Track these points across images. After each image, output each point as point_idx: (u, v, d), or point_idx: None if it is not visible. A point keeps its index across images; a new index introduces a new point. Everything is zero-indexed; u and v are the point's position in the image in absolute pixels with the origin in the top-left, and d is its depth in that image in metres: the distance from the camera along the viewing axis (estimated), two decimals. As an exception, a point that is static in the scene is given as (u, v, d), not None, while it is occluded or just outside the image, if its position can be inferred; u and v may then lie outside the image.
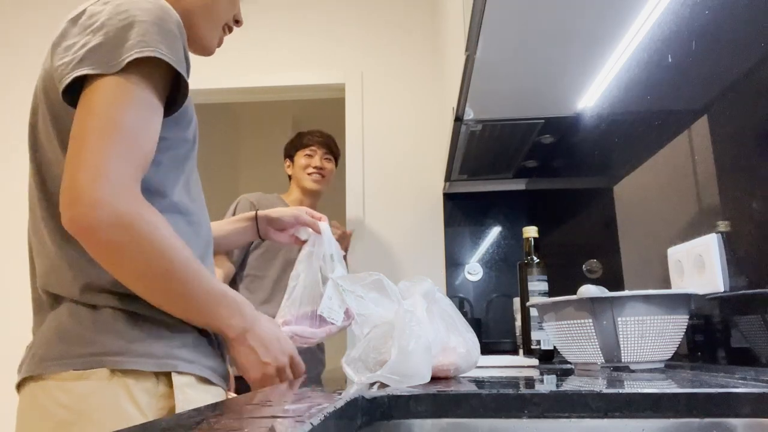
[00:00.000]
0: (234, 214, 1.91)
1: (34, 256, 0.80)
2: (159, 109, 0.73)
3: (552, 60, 1.29)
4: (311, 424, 0.36)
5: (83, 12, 0.75)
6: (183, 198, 0.82)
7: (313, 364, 1.83)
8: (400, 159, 2.59)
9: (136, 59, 0.68)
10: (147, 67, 0.70)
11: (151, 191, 0.74)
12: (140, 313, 0.72)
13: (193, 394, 0.73)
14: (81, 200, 0.63)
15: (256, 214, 1.11)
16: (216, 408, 0.46)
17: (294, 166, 2.10)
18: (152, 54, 0.68)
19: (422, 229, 2.50)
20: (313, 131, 2.12)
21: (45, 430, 0.69)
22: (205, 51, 0.91)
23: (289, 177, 2.15)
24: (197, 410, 0.43)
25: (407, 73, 2.68)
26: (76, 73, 0.68)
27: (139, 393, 0.69)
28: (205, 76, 2.77)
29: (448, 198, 2.49)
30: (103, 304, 0.72)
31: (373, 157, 2.59)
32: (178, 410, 0.70)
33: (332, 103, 2.85)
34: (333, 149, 2.11)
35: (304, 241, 1.10)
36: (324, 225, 1.10)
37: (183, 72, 0.73)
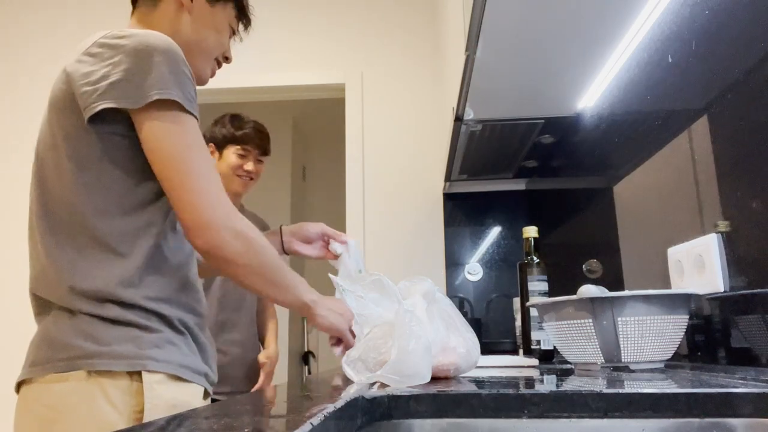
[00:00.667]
0: None
1: (29, 258, 0.87)
2: None
3: (552, 60, 1.29)
4: (311, 424, 0.36)
5: (100, 42, 0.82)
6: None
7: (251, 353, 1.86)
8: (400, 159, 2.59)
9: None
10: (165, 105, 0.79)
11: (163, 209, 0.86)
12: (113, 317, 0.79)
13: (162, 391, 0.79)
14: (208, 227, 0.79)
15: (280, 228, 1.16)
16: (216, 408, 0.46)
17: (222, 160, 1.86)
18: (169, 97, 0.78)
19: (422, 229, 2.50)
20: (247, 122, 1.89)
21: (32, 428, 0.78)
22: (199, 81, 1.00)
23: None
24: (197, 409, 0.43)
25: (407, 73, 2.68)
26: (102, 106, 0.77)
27: (113, 391, 0.77)
28: (205, 76, 2.77)
29: (448, 198, 2.49)
30: (79, 309, 0.78)
31: (373, 157, 2.59)
32: (147, 406, 0.77)
33: (332, 103, 2.85)
34: (267, 149, 1.91)
35: (336, 256, 1.11)
36: (352, 241, 1.14)
37: (194, 112, 0.83)
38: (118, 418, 0.76)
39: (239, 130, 1.84)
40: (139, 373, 0.78)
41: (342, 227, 2.52)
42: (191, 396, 0.85)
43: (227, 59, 1.05)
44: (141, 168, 0.82)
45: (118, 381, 0.77)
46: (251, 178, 1.85)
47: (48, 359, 0.78)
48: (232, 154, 1.83)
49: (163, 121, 0.79)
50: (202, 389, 0.88)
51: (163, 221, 0.85)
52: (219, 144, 1.86)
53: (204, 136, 1.85)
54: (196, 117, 0.83)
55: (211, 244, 0.80)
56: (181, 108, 0.80)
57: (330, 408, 0.42)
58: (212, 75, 1.03)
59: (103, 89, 0.78)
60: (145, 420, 0.77)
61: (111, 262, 0.80)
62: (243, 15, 1.04)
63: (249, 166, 1.83)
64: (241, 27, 1.06)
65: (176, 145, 0.79)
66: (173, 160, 0.79)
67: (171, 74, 0.79)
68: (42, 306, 0.83)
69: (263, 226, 1.95)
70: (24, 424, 0.79)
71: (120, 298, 0.79)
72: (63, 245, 0.80)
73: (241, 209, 1.91)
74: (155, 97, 0.77)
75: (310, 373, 4.17)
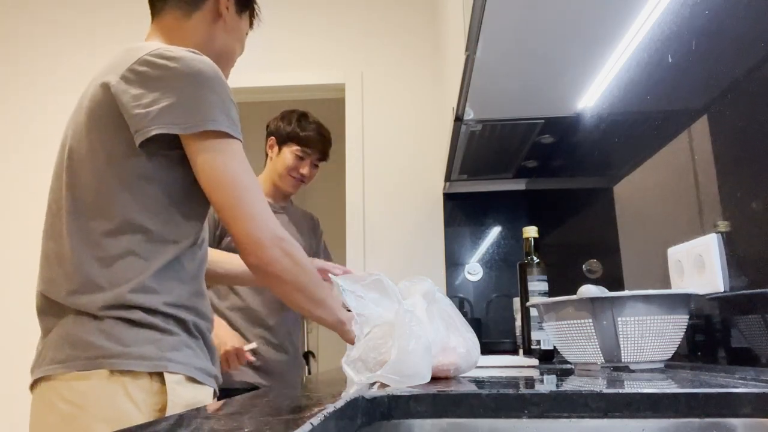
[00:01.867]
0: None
1: (43, 260, 0.88)
2: None
3: (552, 60, 1.29)
4: (311, 424, 0.36)
5: (146, 59, 0.84)
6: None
7: (295, 370, 1.83)
8: (400, 159, 2.59)
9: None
10: (216, 133, 0.84)
11: (195, 228, 0.91)
12: (135, 320, 0.82)
13: (182, 391, 0.83)
14: (261, 245, 0.86)
15: None
16: (216, 407, 0.46)
17: (279, 156, 1.83)
18: (220, 128, 0.84)
19: (422, 229, 2.50)
20: (312, 122, 1.85)
21: (53, 423, 0.80)
22: None
23: (266, 156, 1.89)
24: (198, 409, 0.43)
25: (407, 73, 2.68)
26: (155, 131, 0.81)
27: (135, 390, 0.80)
28: (205, 76, 2.77)
29: (448, 198, 2.49)
30: (103, 311, 0.81)
31: (373, 157, 2.59)
32: (169, 405, 0.81)
33: (332, 103, 2.85)
34: (327, 155, 1.89)
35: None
36: (340, 279, 1.20)
37: (239, 136, 0.88)
38: (139, 415, 0.79)
39: (303, 130, 1.81)
40: (159, 374, 0.81)
41: (342, 227, 2.52)
42: (205, 396, 0.88)
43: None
44: (180, 187, 0.87)
45: (139, 381, 0.80)
46: (303, 181, 1.84)
47: (70, 357, 0.80)
48: (290, 153, 1.81)
49: (215, 149, 0.84)
50: (212, 390, 0.92)
51: (192, 238, 0.90)
52: (280, 139, 1.83)
53: (267, 127, 1.87)
54: (241, 140, 0.88)
55: (262, 260, 0.87)
56: (229, 135, 0.85)
57: (330, 408, 0.42)
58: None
59: (155, 113, 0.81)
60: None
61: (136, 268, 0.83)
62: (252, 23, 1.10)
63: (305, 169, 1.82)
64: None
65: (228, 170, 0.85)
66: (227, 184, 0.85)
67: (220, 102, 0.85)
68: (52, 306, 0.85)
69: (312, 223, 1.95)
70: (44, 420, 0.81)
71: (142, 303, 0.82)
72: (92, 249, 0.83)
73: (291, 206, 1.91)
74: (209, 128, 0.83)
75: (310, 373, 4.17)
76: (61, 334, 0.82)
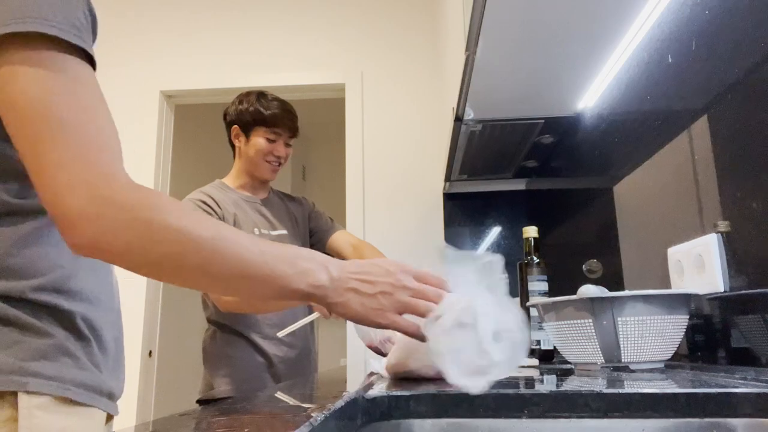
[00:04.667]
0: None
1: None
2: None
3: (552, 60, 1.29)
4: (311, 424, 0.36)
5: None
6: None
7: (308, 369, 1.75)
8: (400, 159, 2.59)
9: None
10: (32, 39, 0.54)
11: None
12: None
13: (45, 419, 0.58)
14: (70, 211, 0.53)
15: None
16: (216, 408, 0.46)
17: (249, 144, 1.64)
18: (40, 30, 0.53)
19: (422, 229, 2.50)
20: (275, 101, 1.67)
21: None
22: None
23: (233, 147, 1.70)
24: (197, 409, 0.43)
25: (407, 73, 2.68)
26: None
27: None
28: (205, 76, 2.77)
29: (448, 198, 2.49)
30: None
31: (373, 157, 2.59)
32: None
33: (332, 103, 2.85)
34: (296, 130, 1.70)
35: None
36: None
37: (82, 45, 0.56)
38: None
39: (268, 109, 1.63)
40: (14, 395, 0.57)
41: (342, 227, 2.52)
42: (87, 425, 0.63)
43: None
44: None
45: None
46: (280, 163, 1.69)
47: None
48: (260, 138, 1.63)
49: (24, 61, 0.53)
50: (104, 414, 0.66)
51: None
52: (245, 126, 1.65)
53: (225, 117, 1.68)
54: (88, 57, 0.57)
55: (82, 235, 0.52)
56: (61, 43, 0.55)
57: (330, 408, 0.42)
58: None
59: None
60: None
61: None
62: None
63: (279, 151, 1.65)
64: None
65: (38, 95, 0.53)
66: (30, 118, 0.53)
67: None
68: None
69: (302, 208, 1.77)
70: None
71: None
72: None
73: (272, 195, 1.75)
74: (22, 29, 0.53)
75: (316, 370, 4.16)
76: None
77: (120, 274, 0.70)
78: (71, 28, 0.55)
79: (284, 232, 1.62)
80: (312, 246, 1.72)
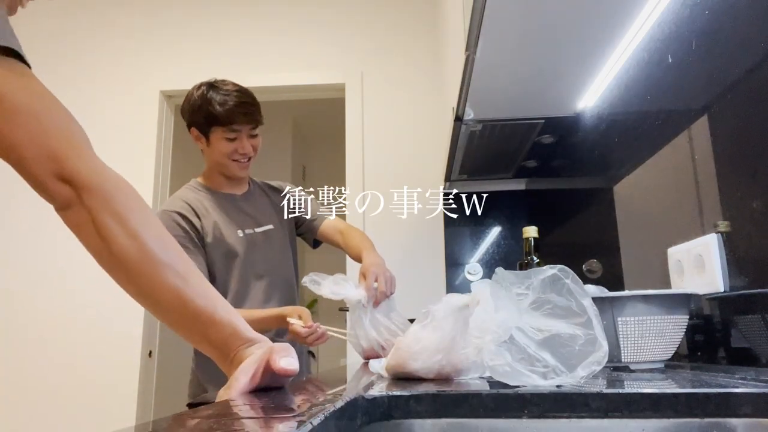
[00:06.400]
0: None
1: None
2: None
3: (552, 60, 1.29)
4: (311, 424, 0.36)
5: None
6: None
7: (300, 372, 1.72)
8: (400, 159, 2.59)
9: None
10: None
11: None
12: None
13: None
14: None
15: None
16: (216, 408, 0.46)
17: (211, 147, 1.51)
18: None
19: (422, 229, 2.50)
20: (226, 93, 1.49)
21: None
22: None
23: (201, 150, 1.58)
24: (195, 410, 0.43)
25: (407, 73, 2.67)
26: None
27: None
28: (205, 76, 2.77)
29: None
30: None
31: (373, 157, 2.59)
32: None
33: (332, 103, 2.85)
34: (259, 119, 1.53)
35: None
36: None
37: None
38: None
39: (221, 105, 1.46)
40: None
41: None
42: None
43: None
44: None
45: None
46: (250, 158, 1.55)
47: None
48: (221, 140, 1.49)
49: None
50: None
51: None
52: (201, 127, 1.50)
53: (183, 115, 1.54)
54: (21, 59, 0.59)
55: None
56: None
57: (330, 408, 0.42)
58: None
59: None
60: None
61: None
62: None
63: (244, 148, 1.50)
64: None
65: None
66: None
67: None
68: None
69: (280, 197, 1.67)
70: None
71: None
72: None
73: (252, 187, 1.65)
74: None
75: (309, 372, 4.16)
76: None
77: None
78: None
79: (270, 227, 1.57)
80: (300, 235, 1.69)
